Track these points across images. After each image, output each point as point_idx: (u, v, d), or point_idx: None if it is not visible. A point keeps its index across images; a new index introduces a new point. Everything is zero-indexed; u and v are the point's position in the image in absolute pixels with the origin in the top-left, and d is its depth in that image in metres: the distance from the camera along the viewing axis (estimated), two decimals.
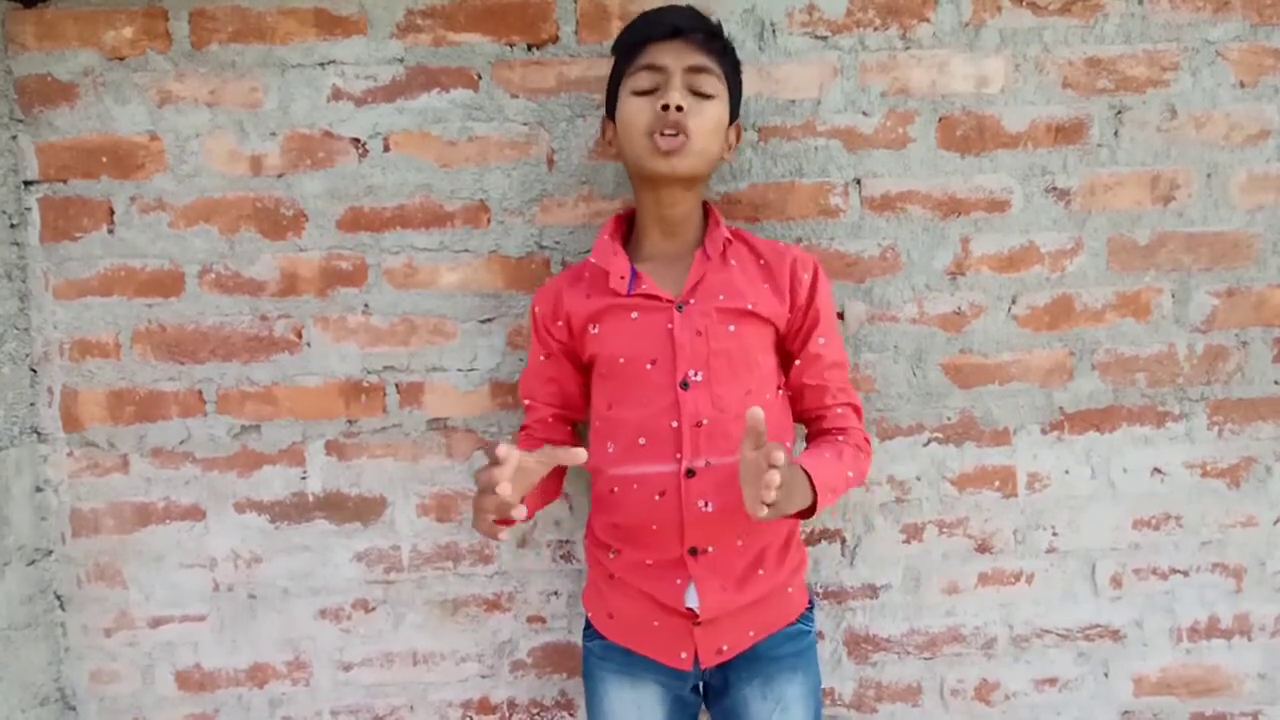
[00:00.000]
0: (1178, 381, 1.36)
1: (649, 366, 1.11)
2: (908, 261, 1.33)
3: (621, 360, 1.12)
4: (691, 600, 1.10)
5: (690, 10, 1.16)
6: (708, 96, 1.10)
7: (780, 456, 0.90)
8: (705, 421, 1.09)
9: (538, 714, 1.39)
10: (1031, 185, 1.32)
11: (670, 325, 1.11)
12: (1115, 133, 1.32)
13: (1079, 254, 1.34)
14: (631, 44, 1.14)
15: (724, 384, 1.10)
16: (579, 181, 1.32)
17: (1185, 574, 1.38)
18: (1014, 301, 1.34)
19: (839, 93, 1.31)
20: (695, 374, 1.10)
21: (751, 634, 1.13)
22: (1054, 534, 1.37)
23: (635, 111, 1.10)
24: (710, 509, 1.08)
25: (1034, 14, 1.30)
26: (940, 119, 1.31)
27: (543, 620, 1.37)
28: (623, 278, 1.13)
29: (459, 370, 1.34)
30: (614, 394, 1.14)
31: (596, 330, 1.14)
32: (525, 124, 1.31)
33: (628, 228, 1.21)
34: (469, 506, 1.35)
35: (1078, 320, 1.34)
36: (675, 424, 1.09)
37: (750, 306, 1.12)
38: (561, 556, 1.36)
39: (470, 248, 1.32)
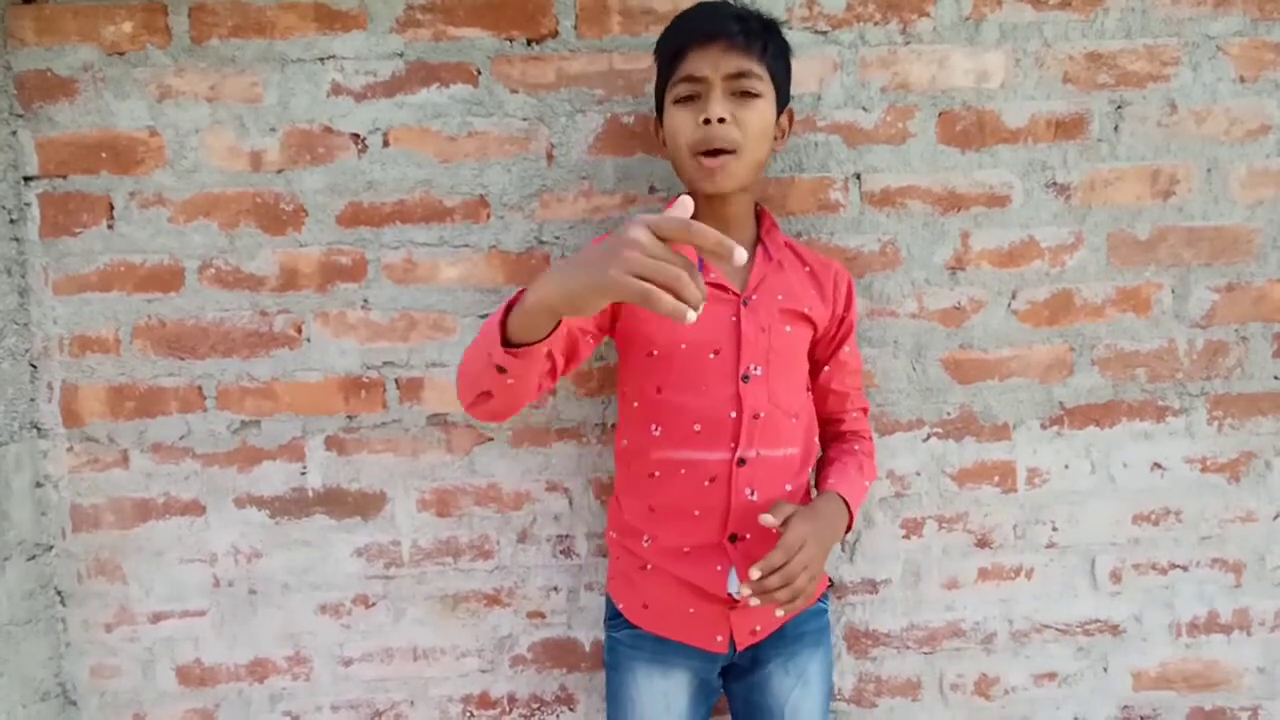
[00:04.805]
0: (1177, 377, 1.36)
1: (712, 356, 1.12)
2: (907, 256, 1.33)
3: (684, 346, 1.12)
4: (733, 585, 1.11)
5: (725, 8, 1.10)
6: (753, 96, 1.07)
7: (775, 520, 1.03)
8: (762, 415, 1.11)
9: (537, 709, 1.39)
10: (1031, 180, 1.32)
11: (735, 318, 1.12)
12: (1115, 127, 1.32)
13: (1079, 249, 1.33)
14: (669, 51, 1.11)
15: (779, 380, 1.13)
16: (579, 177, 1.32)
17: (1185, 569, 1.38)
18: (1014, 296, 1.34)
19: (839, 88, 1.31)
20: (755, 368, 1.12)
21: (780, 614, 1.13)
22: (1054, 529, 1.37)
23: (679, 125, 1.09)
24: (755, 497, 1.10)
25: (1034, 8, 1.30)
26: (940, 114, 1.31)
27: (542, 615, 1.37)
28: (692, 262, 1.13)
29: (459, 366, 1.33)
30: (666, 377, 1.13)
31: None
32: (525, 119, 1.31)
33: None
34: (469, 501, 1.35)
35: (1078, 315, 1.34)
36: (735, 414, 1.10)
37: (806, 310, 1.16)
38: (561, 552, 1.36)
39: (470, 243, 1.32)
